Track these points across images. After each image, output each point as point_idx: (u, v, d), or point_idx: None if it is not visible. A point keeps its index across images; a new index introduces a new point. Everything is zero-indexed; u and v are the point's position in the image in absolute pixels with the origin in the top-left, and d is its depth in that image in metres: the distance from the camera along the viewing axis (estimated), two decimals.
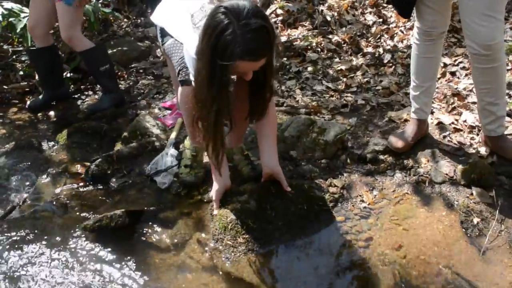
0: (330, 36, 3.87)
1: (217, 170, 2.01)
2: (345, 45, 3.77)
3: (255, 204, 2.05)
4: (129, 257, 2.01)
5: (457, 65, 3.25)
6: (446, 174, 2.28)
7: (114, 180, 2.53)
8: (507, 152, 2.30)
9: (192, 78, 1.92)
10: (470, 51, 2.11)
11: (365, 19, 4.04)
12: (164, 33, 2.20)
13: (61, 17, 3.14)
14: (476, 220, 2.04)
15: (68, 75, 3.84)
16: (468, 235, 2.02)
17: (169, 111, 3.18)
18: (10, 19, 3.41)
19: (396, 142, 2.42)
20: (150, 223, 2.20)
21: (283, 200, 2.09)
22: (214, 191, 2.12)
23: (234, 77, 2.01)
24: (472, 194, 2.17)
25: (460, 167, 2.28)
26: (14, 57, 4.05)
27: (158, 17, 2.25)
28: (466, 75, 3.10)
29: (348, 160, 2.48)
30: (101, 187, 2.49)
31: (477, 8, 1.99)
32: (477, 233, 2.01)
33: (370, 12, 4.10)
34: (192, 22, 1.86)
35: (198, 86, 1.75)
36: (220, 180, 2.09)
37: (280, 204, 2.07)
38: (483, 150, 2.38)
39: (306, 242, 2.01)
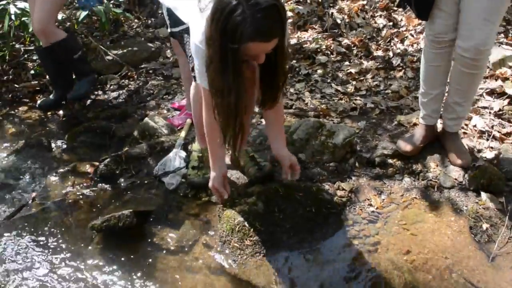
0: (340, 39, 3.86)
1: (236, 151, 2.00)
2: (355, 48, 3.76)
3: (262, 206, 2.05)
4: (136, 258, 2.02)
5: None
6: (455, 179, 2.27)
7: (122, 180, 2.53)
8: (450, 148, 2.38)
9: (196, 66, 1.87)
10: (459, 53, 2.10)
11: (375, 22, 4.02)
12: (171, 14, 2.12)
13: (40, 8, 3.10)
14: (485, 226, 2.03)
15: None
16: (477, 241, 2.01)
17: (178, 112, 3.19)
18: (23, 19, 3.44)
19: (405, 146, 2.42)
20: (158, 223, 2.20)
21: (291, 203, 2.09)
22: (212, 179, 2.08)
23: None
24: (481, 199, 2.16)
25: (469, 172, 2.26)
26: (25, 56, 4.09)
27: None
28: None
29: (357, 164, 2.47)
30: (109, 187, 2.50)
31: (480, 10, 1.99)
32: (486, 239, 2.01)
33: (381, 16, 4.09)
34: (199, 6, 1.76)
35: (212, 74, 1.69)
36: (216, 167, 2.06)
37: (288, 207, 2.07)
38: (493, 155, 2.37)
39: (313, 245, 2.00)
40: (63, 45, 3.27)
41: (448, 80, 2.35)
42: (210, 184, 2.10)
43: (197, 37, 1.75)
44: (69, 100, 3.44)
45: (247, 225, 1.98)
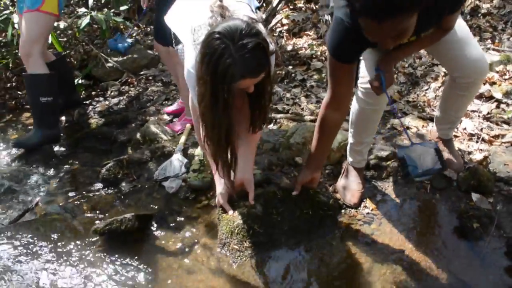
0: None
1: (224, 178, 2.04)
2: None
3: (261, 209, 2.09)
4: (137, 260, 2.05)
5: None
6: (447, 181, 2.32)
7: (124, 184, 2.57)
8: (445, 153, 2.36)
9: (190, 90, 1.96)
10: (465, 81, 2.00)
11: None
12: (176, 36, 2.19)
13: (27, 29, 2.93)
14: (475, 225, 2.07)
15: (80, 81, 3.93)
16: (468, 240, 2.06)
17: (176, 118, 3.23)
18: None
19: (350, 198, 2.28)
20: (159, 226, 2.24)
21: (288, 205, 2.13)
22: (218, 195, 2.14)
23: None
24: (472, 200, 2.20)
25: (460, 174, 2.31)
26: None
27: (169, 20, 2.18)
28: None
29: None
30: (111, 191, 2.54)
31: (467, 37, 1.97)
32: (476, 238, 2.05)
33: None
34: (193, 36, 1.82)
35: (203, 109, 1.77)
36: (222, 183, 2.11)
37: (285, 209, 2.11)
38: (482, 157, 2.44)
39: (310, 246, 2.05)
40: (35, 81, 3.02)
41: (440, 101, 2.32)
42: (216, 200, 2.17)
43: (189, 63, 1.84)
44: (16, 146, 3.08)
45: (246, 227, 2.01)
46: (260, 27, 1.68)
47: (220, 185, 2.12)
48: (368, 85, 1.94)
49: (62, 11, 3.08)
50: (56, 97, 3.12)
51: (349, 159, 2.34)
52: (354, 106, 2.15)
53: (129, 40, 3.79)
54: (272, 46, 1.69)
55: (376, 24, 1.42)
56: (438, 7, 1.64)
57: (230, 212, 2.09)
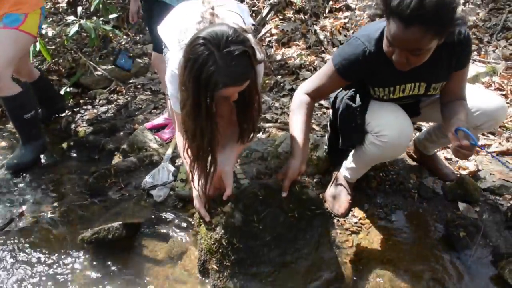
0: (323, 55, 3.95)
1: (199, 190, 1.92)
2: None
3: (240, 217, 1.90)
4: (125, 269, 2.04)
5: None
6: (434, 190, 2.35)
7: (111, 193, 2.56)
8: (436, 166, 2.45)
9: (170, 92, 1.90)
10: (492, 124, 2.03)
11: None
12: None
13: (2, 47, 2.72)
14: (462, 234, 2.09)
15: (68, 89, 3.91)
16: (455, 249, 2.07)
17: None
18: None
19: (338, 209, 2.28)
20: (147, 235, 2.23)
21: (272, 208, 1.94)
22: (194, 198, 1.98)
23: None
24: (458, 209, 2.23)
25: (447, 183, 2.35)
26: None
27: (162, 31, 2.12)
28: None
29: None
30: (99, 199, 2.52)
31: (476, 90, 2.05)
32: (463, 247, 2.06)
33: None
34: (178, 37, 1.79)
35: (184, 116, 1.71)
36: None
37: (268, 214, 1.93)
38: (470, 167, 2.46)
39: (295, 257, 1.91)
40: (12, 102, 2.87)
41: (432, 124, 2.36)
42: (194, 203, 2.02)
43: (173, 65, 1.79)
44: (7, 169, 2.91)
45: (224, 243, 1.85)
46: (249, 36, 1.64)
47: (195, 188, 2.00)
48: (386, 138, 1.91)
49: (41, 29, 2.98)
50: (37, 107, 3.06)
51: (345, 174, 2.32)
52: (366, 149, 2.03)
53: (130, 58, 3.75)
54: (260, 55, 1.65)
55: (403, 27, 1.54)
56: (449, 55, 1.74)
57: (207, 218, 1.93)
